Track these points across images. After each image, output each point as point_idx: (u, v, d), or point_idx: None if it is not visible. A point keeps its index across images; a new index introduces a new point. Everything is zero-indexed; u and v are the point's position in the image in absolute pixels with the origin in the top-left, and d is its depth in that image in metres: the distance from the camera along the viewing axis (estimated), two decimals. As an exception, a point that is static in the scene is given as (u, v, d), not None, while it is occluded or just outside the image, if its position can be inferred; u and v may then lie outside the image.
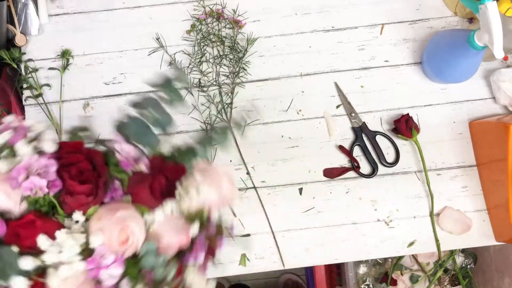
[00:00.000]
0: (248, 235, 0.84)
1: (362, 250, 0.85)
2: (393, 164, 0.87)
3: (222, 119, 0.86)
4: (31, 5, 0.89)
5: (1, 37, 0.87)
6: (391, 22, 0.92)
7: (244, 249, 0.84)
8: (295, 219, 0.85)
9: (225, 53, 0.90)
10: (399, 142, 0.88)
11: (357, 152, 0.88)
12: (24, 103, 0.88)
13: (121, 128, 0.47)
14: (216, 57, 0.90)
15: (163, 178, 0.45)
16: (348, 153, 0.87)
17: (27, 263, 0.39)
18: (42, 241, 0.40)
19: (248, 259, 0.84)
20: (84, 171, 0.42)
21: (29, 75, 0.88)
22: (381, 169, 0.87)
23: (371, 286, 1.16)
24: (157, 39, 0.91)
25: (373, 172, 0.86)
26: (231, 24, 0.91)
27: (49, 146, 0.43)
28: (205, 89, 0.89)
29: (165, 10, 0.92)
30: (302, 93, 0.89)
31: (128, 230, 0.42)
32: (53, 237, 0.40)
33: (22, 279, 0.39)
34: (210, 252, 0.49)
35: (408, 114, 0.86)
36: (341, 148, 0.87)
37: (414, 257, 1.16)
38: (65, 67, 0.89)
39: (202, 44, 0.90)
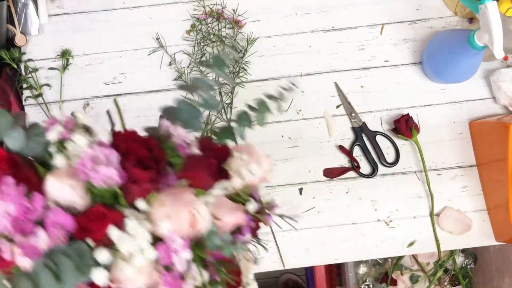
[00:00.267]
0: (248, 235, 0.84)
1: (362, 250, 0.85)
2: (393, 164, 0.87)
3: (222, 119, 0.86)
4: (31, 5, 0.89)
5: (1, 37, 0.87)
6: (391, 22, 0.92)
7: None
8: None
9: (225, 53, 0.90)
10: (399, 142, 0.88)
11: (357, 152, 0.88)
12: (24, 103, 0.88)
13: (171, 113, 0.48)
14: (216, 57, 0.90)
15: (214, 160, 0.46)
16: (348, 153, 0.87)
17: (104, 255, 0.38)
18: (113, 232, 0.39)
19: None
20: (143, 159, 0.42)
21: (29, 75, 0.88)
22: (381, 169, 0.87)
23: (371, 286, 1.16)
24: (157, 39, 0.91)
25: (373, 172, 0.86)
26: (231, 24, 0.91)
27: (106, 136, 0.43)
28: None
29: (165, 10, 0.92)
30: (302, 93, 0.89)
31: (197, 213, 0.42)
32: (120, 228, 0.40)
33: (103, 271, 0.38)
34: (253, 231, 0.50)
35: (408, 114, 0.86)
36: (341, 148, 0.87)
37: (414, 257, 1.16)
38: (65, 67, 0.89)
39: (202, 44, 0.90)
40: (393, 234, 0.85)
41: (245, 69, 0.89)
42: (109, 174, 0.40)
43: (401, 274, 1.17)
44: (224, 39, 0.90)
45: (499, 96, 0.86)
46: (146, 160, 0.41)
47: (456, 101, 0.89)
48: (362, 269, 1.16)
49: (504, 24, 0.69)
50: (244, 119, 0.53)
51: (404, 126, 0.84)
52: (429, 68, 0.86)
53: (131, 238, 0.39)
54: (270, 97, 0.54)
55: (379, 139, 0.88)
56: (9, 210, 0.38)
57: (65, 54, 0.89)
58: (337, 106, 0.89)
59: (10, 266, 0.39)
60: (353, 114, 0.88)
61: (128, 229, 0.40)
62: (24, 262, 0.38)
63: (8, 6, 0.87)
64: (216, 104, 0.49)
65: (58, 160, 0.42)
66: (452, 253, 1.10)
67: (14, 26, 0.88)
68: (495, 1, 0.69)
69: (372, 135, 0.87)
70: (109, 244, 0.39)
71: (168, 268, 0.41)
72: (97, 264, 0.38)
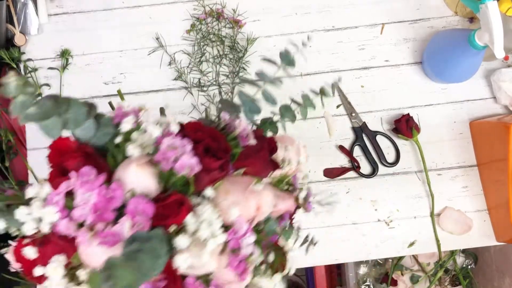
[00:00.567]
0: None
1: (362, 250, 0.85)
2: (394, 164, 0.87)
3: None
4: (30, 5, 0.89)
5: (0, 36, 0.87)
6: (391, 21, 0.92)
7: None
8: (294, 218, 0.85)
9: (225, 52, 0.89)
10: (400, 142, 0.88)
11: (357, 152, 0.87)
12: (23, 103, 0.88)
13: (231, 106, 0.51)
14: (216, 57, 0.90)
15: (267, 150, 0.49)
16: (348, 153, 0.87)
17: (183, 241, 0.39)
18: (189, 218, 0.41)
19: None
20: (210, 148, 0.44)
21: (29, 75, 0.88)
22: (382, 169, 0.87)
23: (371, 286, 1.16)
24: (157, 38, 0.91)
25: (374, 172, 0.86)
26: (231, 23, 0.90)
27: (175, 127, 0.44)
28: (205, 88, 0.88)
29: (165, 10, 0.92)
30: (302, 93, 0.89)
31: (262, 200, 0.45)
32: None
33: (186, 256, 0.39)
34: (290, 217, 0.54)
35: (408, 114, 0.85)
36: (341, 148, 0.87)
37: (415, 257, 1.16)
38: (64, 67, 0.89)
39: (202, 43, 0.90)
40: (393, 234, 0.85)
41: (245, 69, 0.89)
42: (190, 164, 0.41)
43: (402, 274, 1.17)
44: (224, 39, 0.90)
45: (500, 96, 0.86)
46: (213, 150, 0.44)
47: (457, 101, 0.89)
48: (363, 269, 1.15)
49: (504, 24, 0.69)
50: (287, 111, 0.56)
51: (404, 126, 0.84)
52: (429, 68, 0.86)
53: (207, 224, 0.41)
54: (314, 92, 0.57)
55: (380, 139, 0.88)
56: (91, 199, 0.39)
57: (64, 54, 0.89)
58: (337, 106, 0.89)
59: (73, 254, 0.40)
60: (353, 114, 0.88)
61: (205, 215, 0.41)
62: (105, 251, 0.38)
63: (8, 6, 0.87)
64: (275, 98, 0.51)
65: (133, 150, 0.43)
66: (452, 253, 1.10)
67: (14, 26, 0.88)
68: (496, 1, 0.68)
69: (373, 135, 0.87)
70: (181, 231, 0.41)
71: (234, 251, 0.43)
72: (172, 250, 0.39)
